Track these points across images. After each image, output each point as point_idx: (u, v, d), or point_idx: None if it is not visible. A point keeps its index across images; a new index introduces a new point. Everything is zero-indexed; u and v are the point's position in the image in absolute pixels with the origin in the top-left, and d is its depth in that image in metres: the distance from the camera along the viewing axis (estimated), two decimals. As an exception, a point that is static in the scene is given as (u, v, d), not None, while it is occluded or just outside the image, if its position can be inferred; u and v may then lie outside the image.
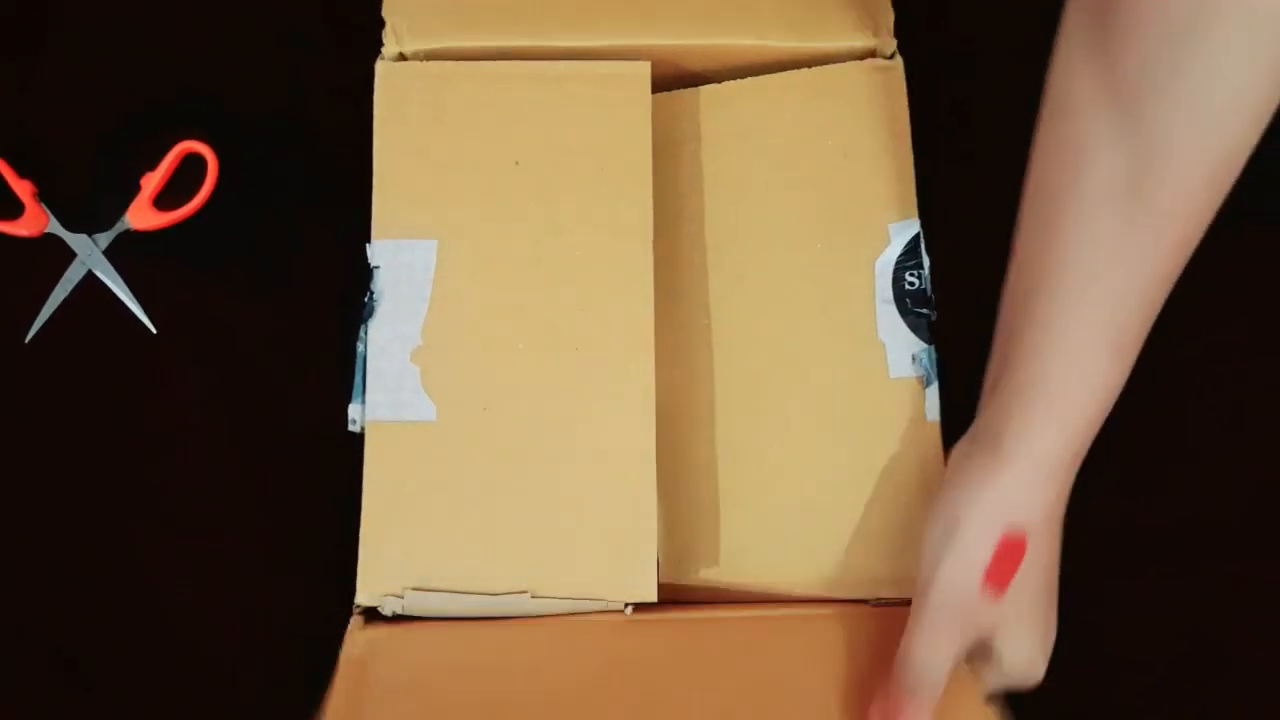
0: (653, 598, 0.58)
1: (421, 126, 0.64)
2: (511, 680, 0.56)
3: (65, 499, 0.70)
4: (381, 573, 0.59)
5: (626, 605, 0.59)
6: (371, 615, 0.59)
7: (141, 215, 0.72)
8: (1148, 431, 0.72)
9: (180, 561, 0.69)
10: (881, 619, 0.59)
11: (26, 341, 0.72)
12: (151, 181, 0.72)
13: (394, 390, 0.61)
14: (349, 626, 0.57)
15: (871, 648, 0.58)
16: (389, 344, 0.61)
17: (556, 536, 0.59)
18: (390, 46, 0.66)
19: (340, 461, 0.62)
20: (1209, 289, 0.74)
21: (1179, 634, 0.70)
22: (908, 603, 0.57)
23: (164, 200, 0.73)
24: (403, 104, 0.65)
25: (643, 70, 0.65)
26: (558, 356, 0.61)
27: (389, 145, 0.64)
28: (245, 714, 0.67)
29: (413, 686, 0.56)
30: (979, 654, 0.56)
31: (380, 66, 0.65)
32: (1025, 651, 0.55)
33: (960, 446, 0.57)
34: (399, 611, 0.58)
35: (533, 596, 0.59)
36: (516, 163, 0.63)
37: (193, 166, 0.73)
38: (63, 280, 0.72)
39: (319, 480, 0.67)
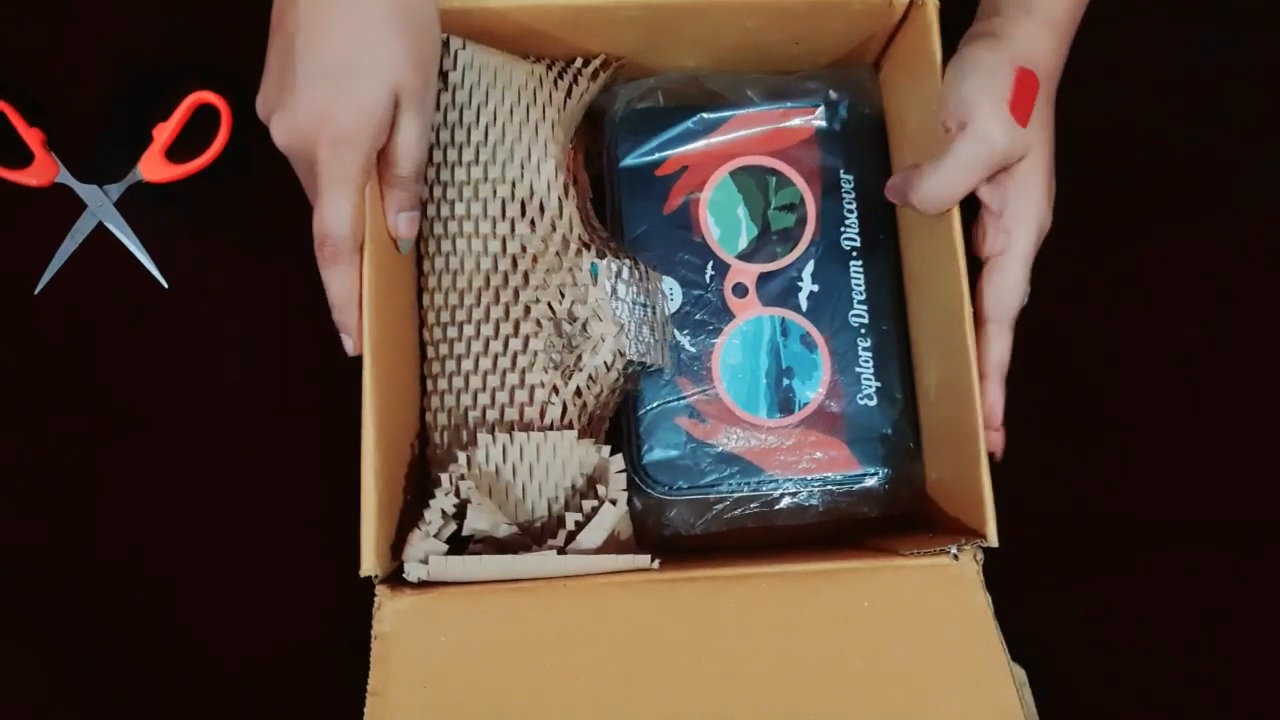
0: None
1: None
2: (546, 651, 0.56)
3: (71, 452, 0.70)
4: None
5: (654, 560, 0.58)
6: (398, 581, 0.58)
7: (153, 167, 0.71)
8: (1157, 426, 0.73)
9: (190, 518, 0.69)
10: (910, 574, 0.59)
11: (36, 293, 0.71)
12: (164, 132, 0.71)
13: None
14: (377, 597, 0.56)
15: (903, 602, 0.58)
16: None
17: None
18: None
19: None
20: (1215, 277, 0.76)
21: (1180, 628, 0.71)
22: (941, 553, 0.59)
23: (177, 152, 0.72)
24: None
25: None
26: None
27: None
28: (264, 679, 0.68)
29: (449, 660, 0.56)
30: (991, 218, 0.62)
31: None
32: (1035, 191, 0.61)
33: (964, 39, 0.63)
34: (424, 578, 0.57)
35: (559, 553, 0.58)
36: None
37: (206, 118, 0.72)
38: (72, 232, 0.72)
39: (335, 439, 0.66)
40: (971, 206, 0.62)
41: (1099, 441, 0.74)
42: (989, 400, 0.61)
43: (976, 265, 0.62)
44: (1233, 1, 0.80)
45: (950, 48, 0.63)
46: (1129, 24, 0.77)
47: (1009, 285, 0.61)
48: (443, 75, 0.66)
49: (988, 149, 0.59)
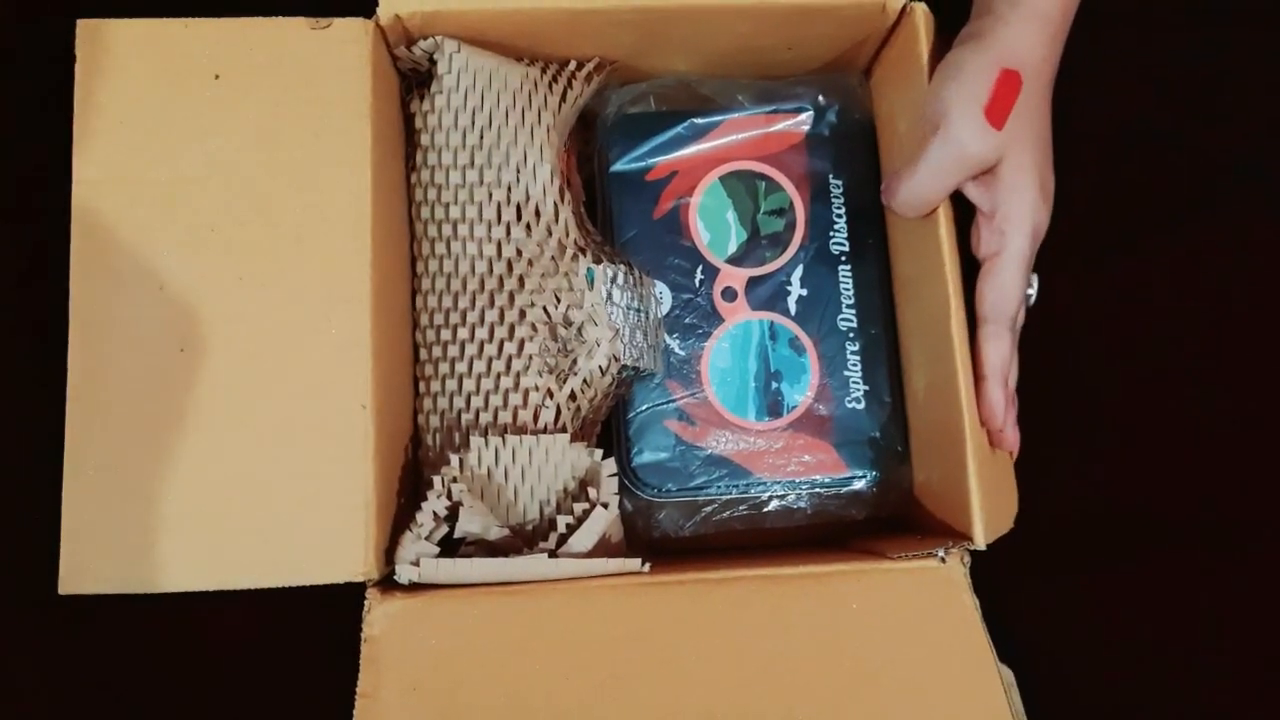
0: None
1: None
2: (536, 654, 0.56)
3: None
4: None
5: (644, 564, 0.59)
6: (388, 584, 0.58)
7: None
8: (1156, 425, 0.74)
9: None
10: (898, 576, 0.60)
11: None
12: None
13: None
14: (367, 600, 0.56)
15: (890, 605, 0.59)
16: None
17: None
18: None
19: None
20: (1215, 276, 0.76)
21: (1177, 628, 0.72)
22: (929, 556, 0.59)
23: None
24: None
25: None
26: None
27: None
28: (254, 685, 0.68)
29: (440, 662, 0.56)
30: (985, 220, 0.62)
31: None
32: (1026, 191, 0.60)
33: (955, 40, 0.63)
34: (415, 580, 0.57)
35: (550, 556, 0.59)
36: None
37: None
38: None
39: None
40: (971, 209, 0.63)
41: (1097, 441, 0.75)
42: (989, 401, 0.61)
43: (977, 268, 0.62)
44: (1231, 1, 0.80)
45: (946, 49, 0.63)
46: (1127, 24, 0.78)
47: (1005, 286, 0.61)
48: (436, 78, 0.66)
49: (958, 153, 0.60)
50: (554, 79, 0.68)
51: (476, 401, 0.64)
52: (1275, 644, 0.72)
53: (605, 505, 0.60)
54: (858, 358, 0.70)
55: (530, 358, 0.64)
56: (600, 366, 0.64)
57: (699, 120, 0.72)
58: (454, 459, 0.61)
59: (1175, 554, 0.73)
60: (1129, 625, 0.72)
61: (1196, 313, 0.76)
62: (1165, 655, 0.72)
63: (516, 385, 0.64)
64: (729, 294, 0.71)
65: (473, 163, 0.66)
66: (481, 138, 0.66)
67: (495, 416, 0.64)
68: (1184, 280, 0.77)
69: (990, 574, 0.59)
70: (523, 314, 0.64)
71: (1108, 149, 0.78)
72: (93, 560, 0.56)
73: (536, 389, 0.64)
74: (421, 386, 0.67)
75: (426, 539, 0.59)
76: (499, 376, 0.64)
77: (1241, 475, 0.74)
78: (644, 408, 0.69)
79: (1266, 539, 0.73)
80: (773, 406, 0.70)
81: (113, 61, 0.60)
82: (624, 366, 0.64)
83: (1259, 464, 0.74)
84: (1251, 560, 0.73)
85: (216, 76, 0.60)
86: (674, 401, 0.69)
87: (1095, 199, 0.76)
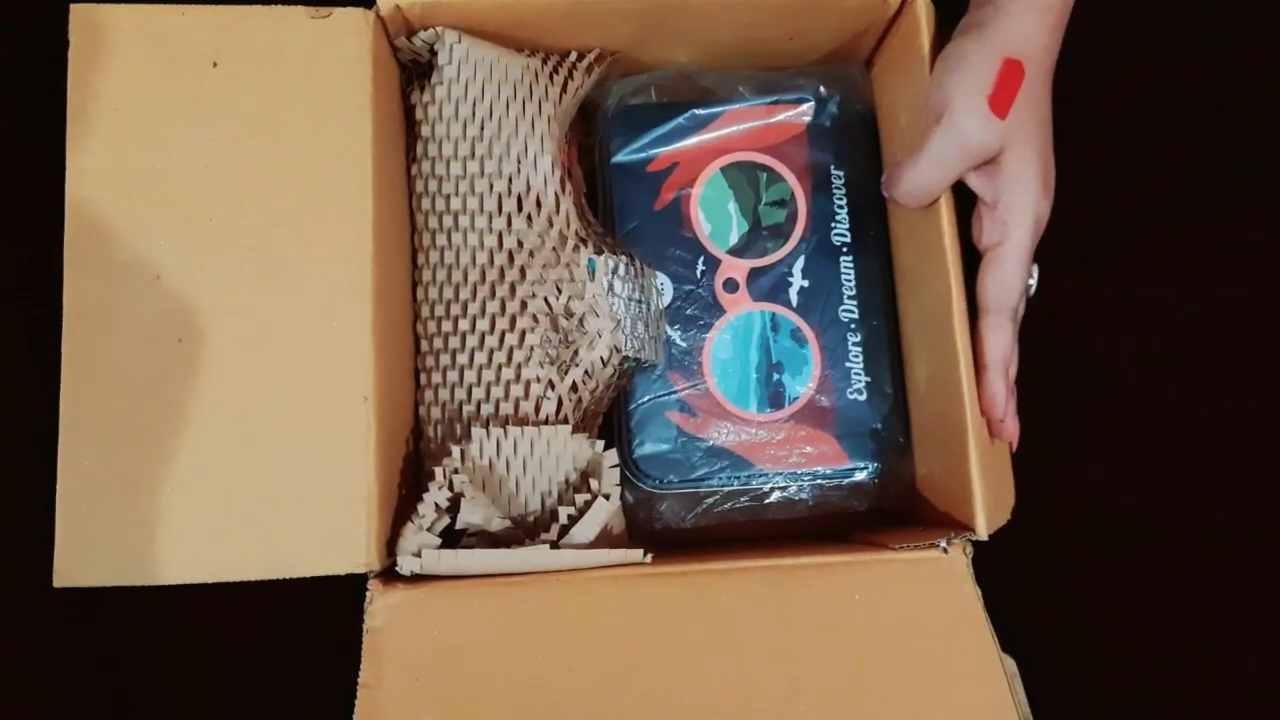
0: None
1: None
2: (538, 644, 0.56)
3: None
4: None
5: (646, 554, 0.59)
6: (389, 575, 0.58)
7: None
8: (1156, 425, 0.74)
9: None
10: (900, 568, 0.59)
11: None
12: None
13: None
14: (369, 591, 0.56)
15: (893, 596, 0.58)
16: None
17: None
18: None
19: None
20: (1215, 276, 0.76)
21: (1176, 625, 0.72)
22: (931, 547, 0.59)
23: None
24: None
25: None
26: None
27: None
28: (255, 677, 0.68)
29: (441, 653, 0.56)
30: (987, 210, 0.62)
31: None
32: (1028, 181, 0.60)
33: (955, 31, 0.63)
34: (417, 571, 0.57)
35: (552, 547, 0.59)
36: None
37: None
38: None
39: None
40: (971, 199, 0.62)
41: (1097, 440, 0.75)
42: (990, 392, 0.61)
43: (978, 259, 0.62)
44: (1231, 1, 0.80)
45: (946, 40, 0.63)
46: (1127, 23, 0.78)
47: (1006, 276, 0.61)
48: (437, 69, 0.66)
49: (961, 142, 0.60)
50: (555, 70, 0.67)
51: (478, 393, 0.64)
52: (1275, 644, 0.72)
53: (607, 496, 0.60)
54: (859, 349, 0.70)
55: (531, 349, 0.64)
56: (601, 358, 0.64)
57: (700, 111, 0.72)
58: (455, 450, 0.61)
59: (1175, 554, 0.73)
60: (1129, 624, 0.72)
61: (1196, 311, 0.77)
62: (1165, 655, 0.72)
63: (518, 376, 0.64)
64: (730, 285, 0.70)
65: (473, 154, 0.65)
66: (482, 129, 0.65)
67: (496, 408, 0.64)
68: (1184, 278, 0.77)
69: (990, 573, 0.59)
70: (524, 305, 0.64)
71: (1107, 147, 0.78)
72: (89, 552, 0.56)
73: (538, 380, 0.64)
74: (423, 378, 0.67)
75: (428, 530, 0.59)
76: (500, 368, 0.64)
77: (1241, 475, 0.74)
78: (645, 399, 0.69)
79: (1266, 539, 0.73)
80: (774, 398, 0.69)
81: (107, 47, 0.60)
82: (625, 358, 0.64)
83: (1259, 464, 0.74)
84: (1251, 560, 0.73)
85: (214, 65, 0.60)
86: (675, 393, 0.69)
87: (1094, 197, 0.76)
